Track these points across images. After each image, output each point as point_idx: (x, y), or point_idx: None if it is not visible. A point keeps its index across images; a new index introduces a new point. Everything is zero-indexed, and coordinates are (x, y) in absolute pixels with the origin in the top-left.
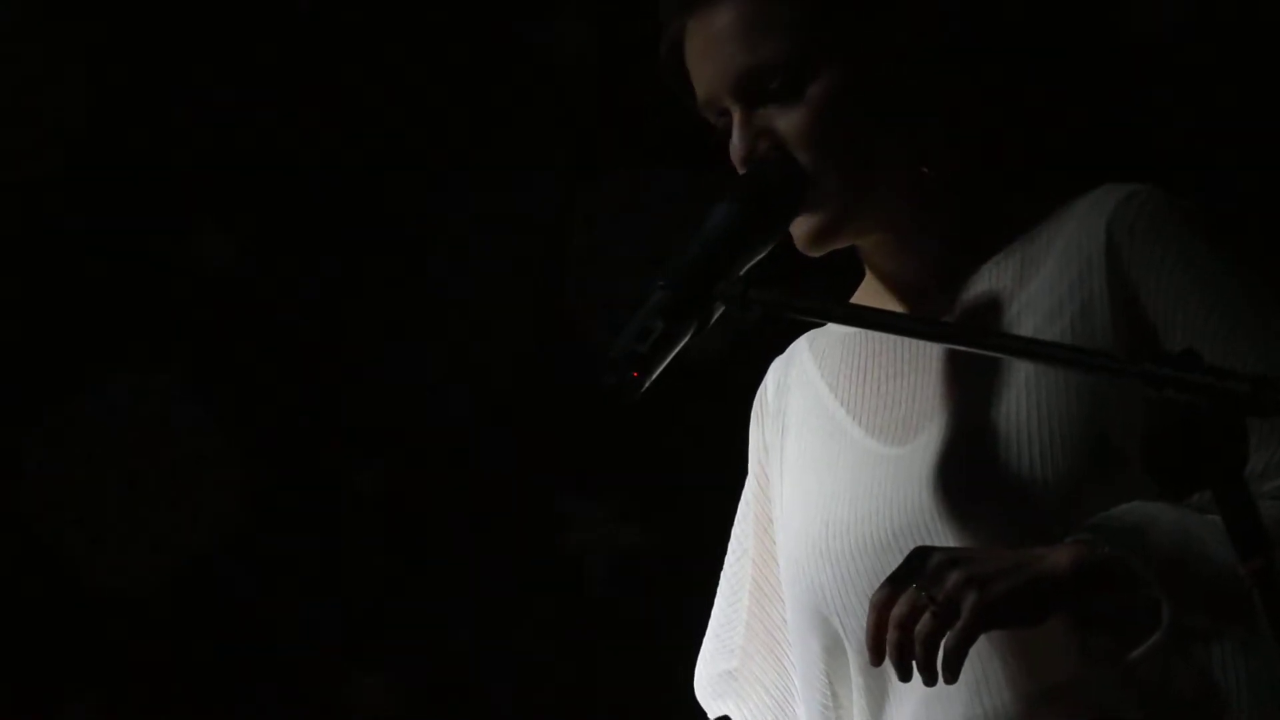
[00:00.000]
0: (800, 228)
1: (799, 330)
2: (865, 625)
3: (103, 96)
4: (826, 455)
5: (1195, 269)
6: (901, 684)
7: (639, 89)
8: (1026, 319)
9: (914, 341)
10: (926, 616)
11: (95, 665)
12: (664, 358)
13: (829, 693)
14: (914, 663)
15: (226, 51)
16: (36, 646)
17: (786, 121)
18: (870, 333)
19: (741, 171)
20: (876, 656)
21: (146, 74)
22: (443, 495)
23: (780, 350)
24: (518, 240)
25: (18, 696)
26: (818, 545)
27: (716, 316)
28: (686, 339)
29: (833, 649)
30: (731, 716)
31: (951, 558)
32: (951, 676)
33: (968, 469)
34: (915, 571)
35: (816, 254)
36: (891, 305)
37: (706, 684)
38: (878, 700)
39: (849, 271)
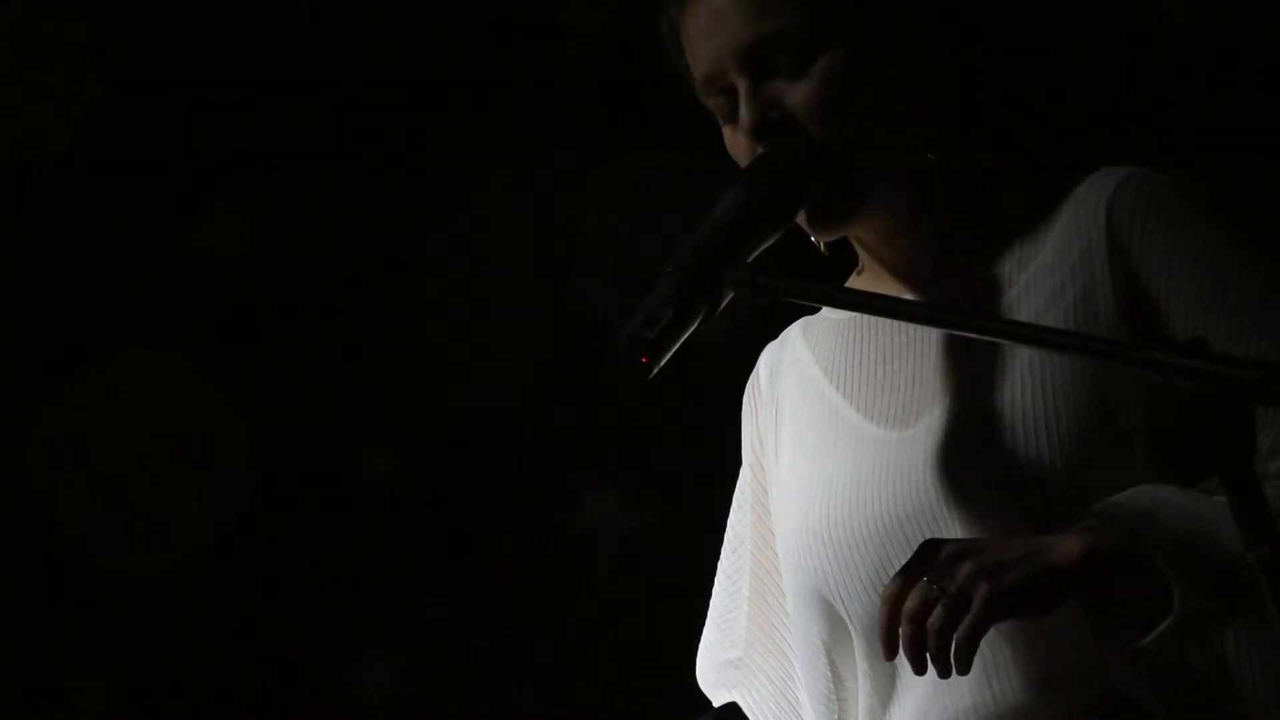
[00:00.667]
0: (811, 209)
1: (807, 312)
2: (872, 614)
3: (112, 78)
4: (823, 441)
5: (1197, 246)
6: (909, 669)
7: (651, 74)
8: (1027, 302)
9: (909, 326)
10: (939, 609)
11: (104, 647)
12: (672, 344)
13: (832, 679)
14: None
15: (236, 34)
16: (45, 629)
17: (795, 94)
18: (864, 318)
19: (743, 144)
20: (890, 650)
21: (155, 56)
22: (450, 480)
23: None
24: (526, 225)
25: (27, 678)
26: (819, 532)
27: (725, 303)
28: (695, 325)
29: (837, 635)
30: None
31: (961, 549)
32: (963, 668)
33: (973, 453)
34: (926, 563)
35: (827, 237)
36: (890, 291)
37: (710, 673)
38: (885, 686)
39: (840, 259)
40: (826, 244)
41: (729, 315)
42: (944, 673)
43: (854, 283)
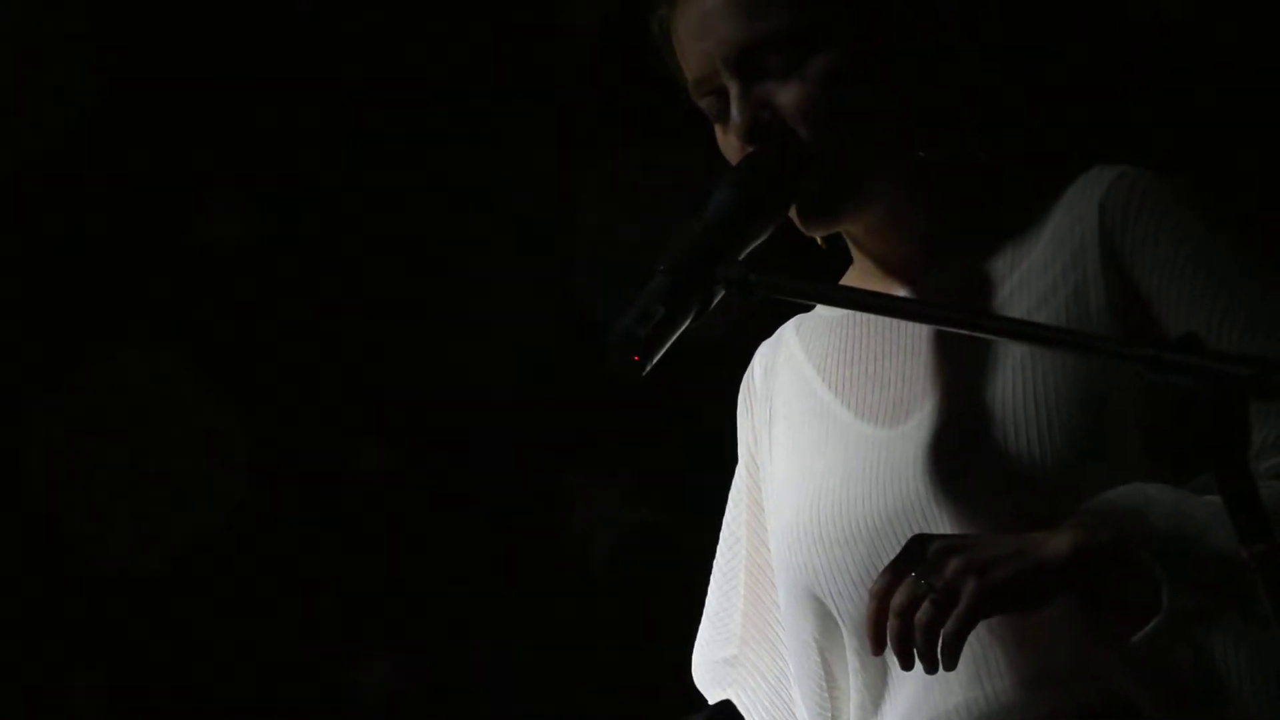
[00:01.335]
0: (803, 205)
1: (800, 310)
2: (862, 611)
3: (110, 74)
4: (815, 438)
5: (1189, 245)
6: (899, 669)
7: (648, 71)
8: (1019, 300)
9: (901, 324)
10: (926, 604)
11: (99, 645)
12: (665, 342)
13: (824, 676)
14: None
15: (235, 31)
16: (41, 626)
17: (787, 95)
18: (857, 316)
19: (735, 144)
20: (877, 645)
21: (154, 52)
22: (448, 479)
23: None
24: (523, 223)
25: (22, 676)
26: (810, 530)
27: (718, 300)
28: (688, 323)
29: (828, 633)
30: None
31: (950, 545)
32: (951, 663)
33: (963, 451)
34: (914, 559)
35: (819, 232)
36: (882, 289)
37: (705, 671)
38: (876, 683)
39: (833, 256)
40: (824, 238)
41: (725, 312)
42: (931, 668)
43: (847, 279)
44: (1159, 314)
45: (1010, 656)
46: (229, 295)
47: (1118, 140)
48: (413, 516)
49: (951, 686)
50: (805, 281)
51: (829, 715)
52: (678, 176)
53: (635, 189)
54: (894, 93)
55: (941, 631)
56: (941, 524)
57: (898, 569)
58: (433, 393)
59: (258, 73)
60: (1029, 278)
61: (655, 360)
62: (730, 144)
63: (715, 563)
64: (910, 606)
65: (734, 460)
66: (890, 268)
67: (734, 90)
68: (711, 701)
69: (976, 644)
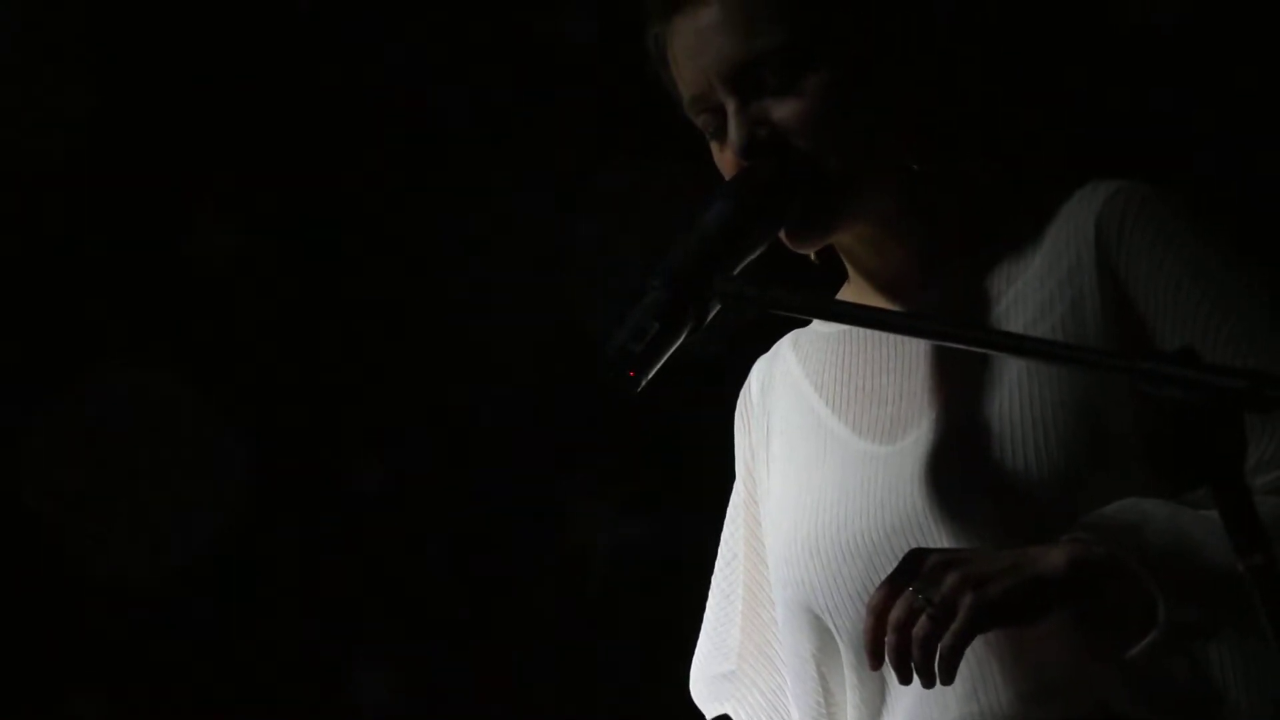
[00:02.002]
0: (795, 219)
1: (796, 325)
2: (860, 626)
3: (106, 89)
4: (813, 454)
5: (1184, 259)
6: (897, 683)
7: (642, 83)
8: (1016, 315)
9: (898, 340)
10: (923, 619)
11: (97, 660)
12: (660, 357)
13: (821, 692)
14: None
15: (229, 45)
16: (39, 641)
17: (784, 111)
18: (854, 331)
19: (731, 161)
20: (875, 660)
21: (147, 65)
22: (445, 491)
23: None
24: (522, 235)
25: (20, 691)
26: (808, 545)
27: (713, 315)
28: (683, 338)
29: (826, 648)
30: (731, 715)
31: (947, 559)
32: (948, 677)
33: (961, 467)
34: (911, 573)
35: (809, 248)
36: (878, 304)
37: (703, 686)
38: (873, 699)
39: (829, 270)
40: (816, 254)
41: (721, 327)
42: (928, 683)
43: (843, 296)
44: (1155, 328)
45: (1007, 671)
46: (227, 308)
47: (1113, 153)
48: (409, 531)
49: (948, 701)
50: (801, 296)
51: None
52: (674, 190)
53: (632, 202)
54: (889, 107)
55: (938, 646)
56: (939, 539)
57: (895, 584)
58: (430, 406)
59: (253, 84)
60: (1025, 293)
61: (651, 375)
62: (726, 160)
63: (713, 578)
64: (907, 621)
65: (730, 475)
66: (885, 283)
67: (731, 107)
68: (708, 716)
69: (973, 658)
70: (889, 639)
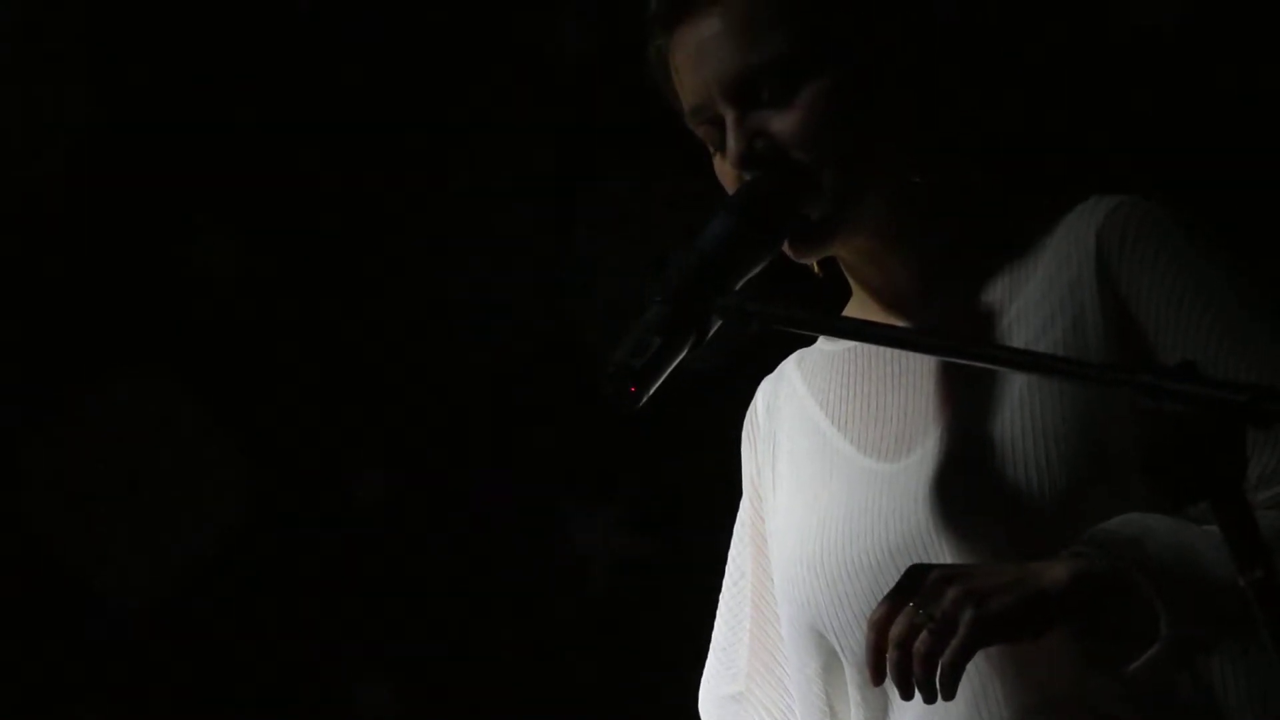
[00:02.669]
0: (794, 231)
1: (798, 341)
2: (863, 643)
3: (105, 96)
4: (818, 473)
5: (1186, 275)
6: (900, 700)
7: (641, 92)
8: (1018, 331)
9: (903, 357)
10: (924, 634)
11: (97, 669)
12: (661, 372)
13: (828, 710)
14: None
15: (228, 51)
16: (39, 650)
17: (782, 123)
18: (859, 349)
19: (732, 174)
20: (877, 676)
21: (147, 76)
22: (445, 502)
23: (784, 358)
24: (520, 246)
25: (20, 700)
26: (813, 564)
27: (714, 330)
28: (684, 353)
29: (830, 667)
30: None
31: (948, 574)
32: (949, 693)
33: (964, 484)
34: (912, 589)
35: (808, 259)
36: (880, 319)
37: (711, 707)
38: (875, 717)
39: (833, 287)
40: (820, 269)
41: (722, 342)
42: (929, 698)
43: (847, 311)
44: (1157, 342)
45: (1009, 686)
46: (223, 319)
47: (1116, 166)
48: (408, 544)
49: (950, 717)
50: (803, 311)
51: None
52: (675, 204)
53: (632, 216)
54: (889, 118)
55: (940, 661)
56: (943, 557)
57: (896, 599)
58: (429, 419)
59: (253, 89)
60: (1028, 308)
61: (652, 391)
62: (727, 172)
63: (721, 597)
64: (909, 636)
65: (731, 490)
66: (888, 298)
67: (730, 118)
68: None
69: (975, 674)
70: (890, 654)
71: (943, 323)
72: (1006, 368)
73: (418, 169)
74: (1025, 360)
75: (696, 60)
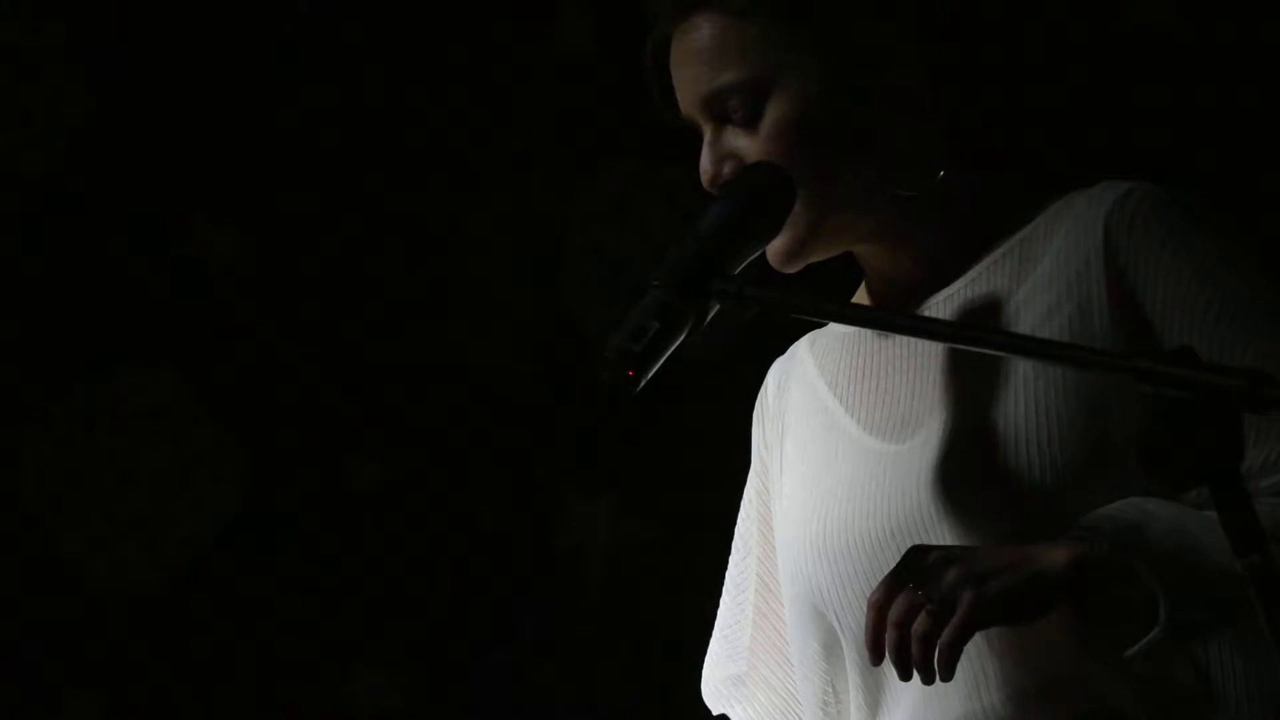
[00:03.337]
0: (770, 246)
1: (803, 325)
2: (863, 623)
3: (102, 89)
4: (824, 452)
5: (1193, 262)
6: (899, 681)
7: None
8: (1024, 316)
9: (913, 339)
10: (923, 615)
11: (95, 661)
12: (659, 357)
13: (829, 689)
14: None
15: (225, 44)
16: (36, 642)
17: (748, 144)
18: (870, 331)
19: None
20: (876, 656)
21: (143, 68)
22: (442, 491)
23: (785, 344)
24: (517, 234)
25: (17, 692)
26: (815, 543)
27: (713, 315)
28: (682, 337)
29: (831, 646)
30: (740, 718)
31: (947, 556)
32: (947, 674)
33: (965, 466)
34: (912, 570)
35: (789, 270)
36: (889, 302)
37: (714, 688)
38: (874, 697)
39: (849, 270)
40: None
41: (721, 326)
42: (928, 679)
43: (858, 295)
44: (1162, 330)
45: (1007, 669)
46: (219, 311)
47: (1118, 154)
48: (406, 533)
49: (949, 700)
50: (802, 296)
51: None
52: (672, 190)
53: (630, 203)
54: (858, 136)
55: (938, 642)
56: (945, 538)
57: (896, 580)
58: (427, 408)
59: (251, 85)
60: (1034, 294)
61: (650, 375)
62: None
63: (727, 574)
64: (908, 617)
65: (730, 476)
66: (895, 285)
67: (706, 134)
68: (716, 717)
69: (974, 657)
70: (889, 635)
71: (950, 306)
72: (1004, 353)
73: (415, 157)
74: (1024, 346)
75: (678, 73)
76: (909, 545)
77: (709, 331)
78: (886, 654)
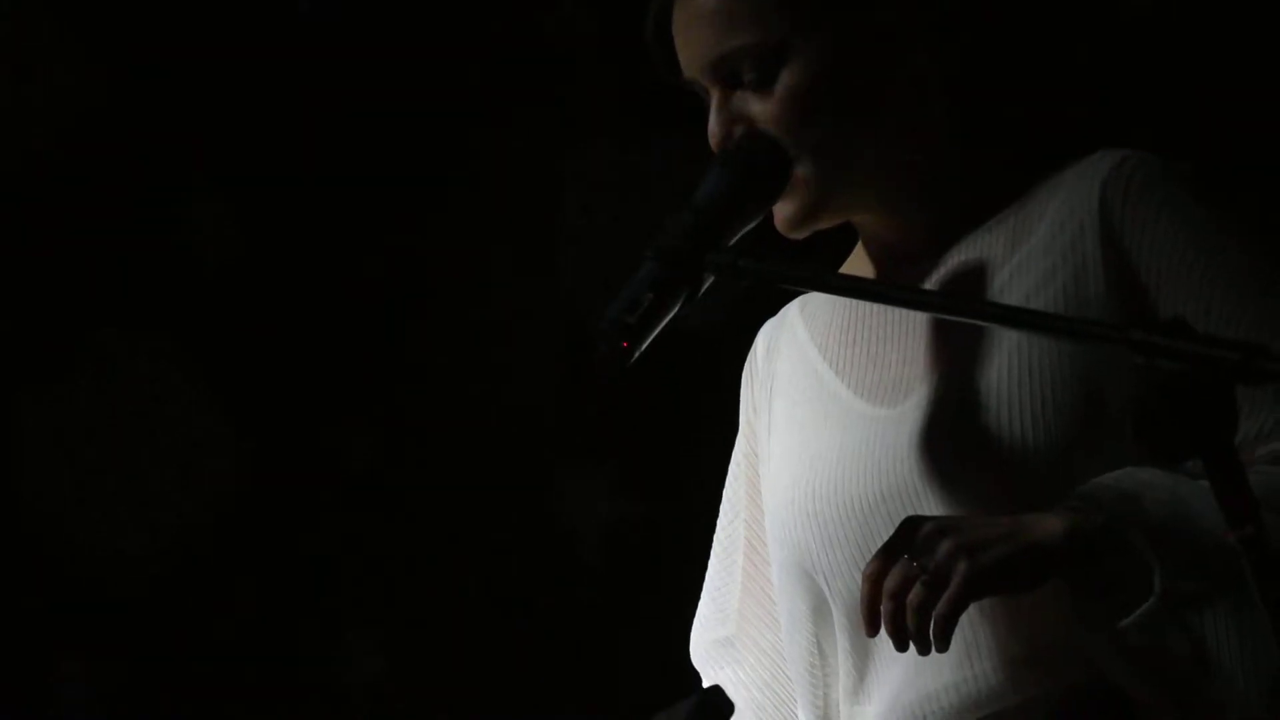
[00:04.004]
0: (779, 211)
1: (798, 295)
2: (853, 590)
3: (103, 68)
4: (814, 416)
5: (1190, 230)
6: (889, 646)
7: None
8: (1019, 284)
9: None
10: (918, 586)
11: (90, 637)
12: (654, 328)
13: (816, 652)
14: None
15: (227, 28)
16: (32, 620)
17: (761, 108)
18: None
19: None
20: (871, 627)
21: (142, 53)
22: (437, 467)
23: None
24: (508, 215)
25: (13, 670)
26: (804, 506)
27: (707, 286)
28: (677, 309)
29: (820, 609)
30: (729, 681)
31: (942, 526)
32: (943, 645)
33: (957, 432)
34: (907, 541)
35: (797, 236)
36: (883, 271)
37: (702, 651)
38: (864, 662)
39: (842, 239)
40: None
41: (716, 298)
42: (923, 649)
43: (850, 260)
44: (1157, 298)
45: (1000, 638)
46: (216, 294)
47: (1112, 125)
48: (401, 508)
49: (940, 667)
50: (795, 267)
51: (821, 692)
52: (666, 162)
53: (623, 176)
54: (871, 104)
55: (933, 613)
56: (935, 504)
57: (891, 551)
58: (420, 384)
59: (249, 70)
60: (1029, 261)
61: (644, 347)
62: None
63: (715, 537)
64: (903, 588)
65: (723, 449)
66: (890, 252)
67: (714, 98)
68: (706, 680)
69: (966, 625)
70: (884, 605)
71: (943, 276)
72: (995, 324)
73: (403, 142)
74: (1017, 317)
75: (684, 37)
76: (900, 510)
77: (704, 303)
78: (881, 625)
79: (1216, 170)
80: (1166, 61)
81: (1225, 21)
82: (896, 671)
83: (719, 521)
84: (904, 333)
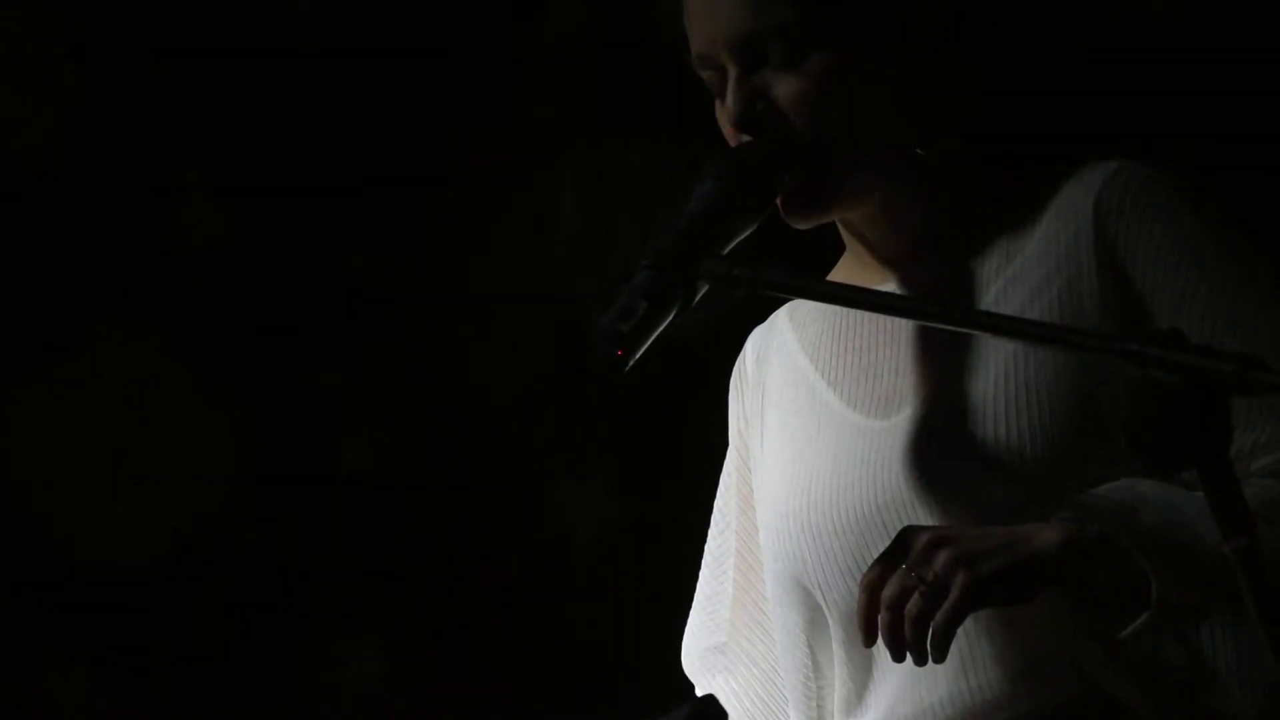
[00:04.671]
0: (790, 200)
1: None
2: (850, 602)
3: (92, 68)
4: (806, 427)
5: (1185, 241)
6: (886, 658)
7: (635, 60)
8: (1013, 293)
9: None
10: (916, 597)
11: (85, 641)
12: (648, 337)
13: (811, 665)
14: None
15: (227, 27)
16: (26, 622)
17: (785, 88)
18: None
19: (729, 130)
20: (869, 638)
21: (131, 48)
22: (432, 471)
23: None
24: (506, 217)
25: (13, 670)
26: (799, 518)
27: (701, 295)
28: (671, 318)
29: (815, 621)
30: (721, 690)
31: (939, 537)
32: (940, 656)
33: (952, 444)
34: (904, 552)
35: (804, 226)
36: (874, 279)
37: (695, 659)
38: (861, 674)
39: (827, 244)
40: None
41: (710, 306)
42: (920, 660)
43: (839, 267)
44: (1151, 308)
45: (997, 649)
46: (209, 292)
47: (1113, 135)
48: (395, 514)
49: (937, 679)
50: (790, 276)
51: (815, 704)
52: (661, 170)
53: (619, 183)
54: (894, 92)
55: (931, 624)
56: (930, 516)
57: (888, 562)
58: (416, 390)
59: (242, 67)
60: (1023, 271)
61: (638, 355)
62: (727, 120)
63: (706, 547)
64: (901, 598)
65: (717, 456)
66: (883, 258)
67: (733, 75)
68: (699, 689)
69: (963, 637)
70: (882, 617)
71: (937, 282)
72: (990, 334)
73: (406, 137)
74: (1009, 326)
75: (707, 11)
76: (896, 522)
77: (698, 311)
78: (879, 636)
79: (1210, 179)
80: (1175, 63)
81: (1228, 22)
82: (893, 683)
83: (710, 532)
84: (896, 342)
